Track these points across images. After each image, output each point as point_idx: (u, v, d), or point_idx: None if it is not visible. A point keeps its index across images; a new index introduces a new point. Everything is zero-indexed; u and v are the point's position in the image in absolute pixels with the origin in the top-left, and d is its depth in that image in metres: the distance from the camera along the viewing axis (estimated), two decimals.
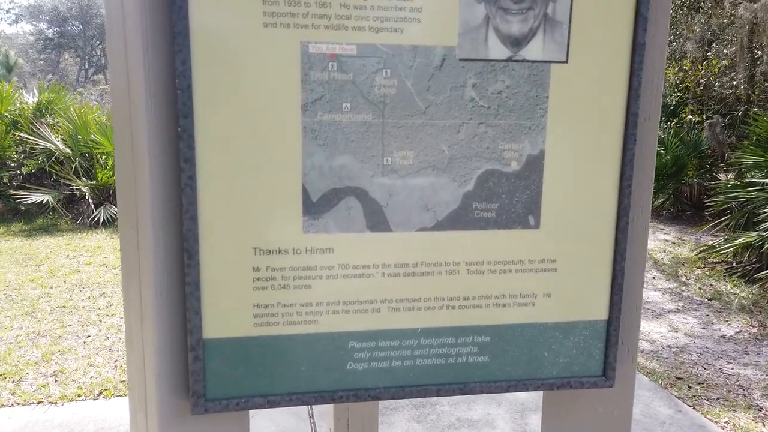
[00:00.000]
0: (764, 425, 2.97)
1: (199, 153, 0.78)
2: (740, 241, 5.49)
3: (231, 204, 0.80)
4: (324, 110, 0.80)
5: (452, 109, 0.83)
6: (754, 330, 4.37)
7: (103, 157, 8.13)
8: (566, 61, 0.84)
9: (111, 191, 8.08)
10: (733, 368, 3.70)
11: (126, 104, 0.81)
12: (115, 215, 7.76)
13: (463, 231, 0.87)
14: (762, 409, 3.15)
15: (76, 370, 3.34)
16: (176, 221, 0.81)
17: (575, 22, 0.83)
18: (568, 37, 0.84)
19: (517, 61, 0.83)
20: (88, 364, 3.43)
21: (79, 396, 3.04)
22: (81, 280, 5.13)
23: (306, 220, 0.83)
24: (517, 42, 0.83)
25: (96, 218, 7.58)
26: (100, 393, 3.08)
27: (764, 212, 5.45)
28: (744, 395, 3.32)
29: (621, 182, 0.89)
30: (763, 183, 5.63)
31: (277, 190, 0.81)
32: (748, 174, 5.78)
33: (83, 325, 4.08)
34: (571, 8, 0.83)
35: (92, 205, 7.75)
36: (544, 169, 0.87)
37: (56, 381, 3.22)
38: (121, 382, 3.20)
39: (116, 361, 3.48)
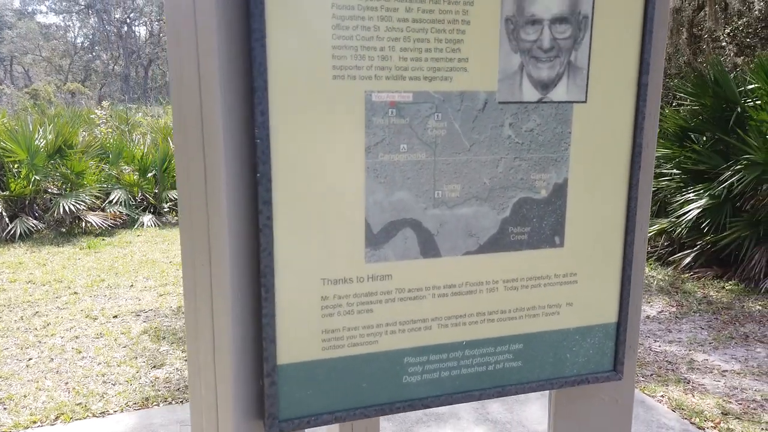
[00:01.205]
0: (693, 395, 3.32)
1: (275, 195, 0.84)
2: (654, 227, 6.00)
3: (303, 240, 0.87)
4: (384, 151, 0.89)
5: (492, 145, 0.94)
6: (674, 309, 4.81)
7: (15, 165, 7.62)
8: (585, 101, 0.97)
9: (27, 202, 7.60)
10: (660, 346, 4.08)
11: (199, 151, 0.85)
12: (33, 228, 7.31)
13: (501, 252, 0.98)
14: (689, 381, 3.51)
15: (25, 396, 3.19)
16: (253, 259, 0.87)
17: (592, 68, 0.96)
18: (587, 81, 0.96)
19: (545, 102, 0.95)
20: (36, 388, 3.28)
21: (35, 423, 2.91)
22: (9, 300, 4.84)
23: (368, 251, 0.91)
24: (545, 86, 0.95)
25: (12, 231, 7.12)
26: (57, 418, 2.97)
27: (675, 200, 5.98)
28: (673, 370, 3.68)
29: (628, 202, 1.03)
30: (672, 173, 6.17)
31: (343, 226, 0.89)
32: (659, 165, 6.31)
33: (22, 348, 3.87)
34: (589, 56, 0.96)
35: (6, 218, 7.26)
36: (567, 195, 0.99)
37: (5, 408, 3.06)
38: (78, 404, 3.09)
39: (67, 383, 3.35)
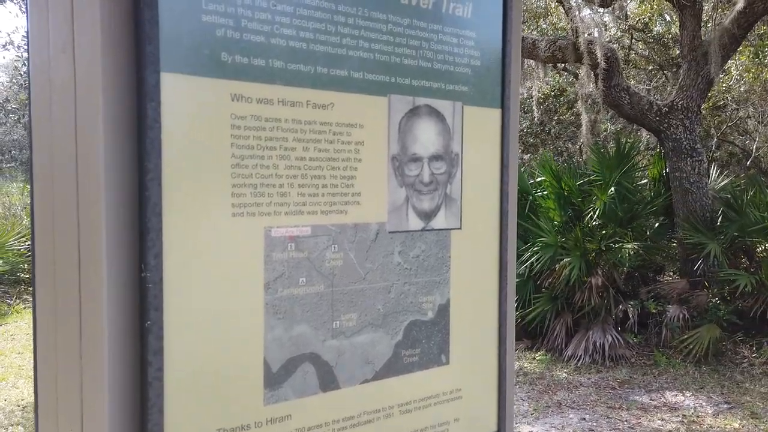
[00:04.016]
0: None
1: (167, 344, 0.77)
2: None
3: (197, 391, 0.80)
4: (284, 286, 0.87)
5: (384, 272, 0.97)
6: None
7: None
8: (460, 228, 1.06)
9: None
10: None
11: (75, 304, 0.75)
12: None
13: (395, 377, 0.99)
14: None
15: None
16: (137, 414, 0.77)
17: (464, 199, 1.06)
18: (461, 210, 1.06)
19: (428, 230, 1.02)
20: None
21: None
22: None
23: (266, 392, 0.86)
24: (427, 215, 1.02)
25: None
26: None
27: None
28: None
29: (499, 317, 1.13)
30: None
31: (240, 369, 0.84)
32: None
33: None
34: (461, 189, 1.06)
35: None
36: (450, 314, 1.06)
37: None
38: None
39: None
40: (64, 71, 0.76)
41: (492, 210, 1.11)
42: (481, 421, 1.11)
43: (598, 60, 6.19)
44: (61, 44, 0.76)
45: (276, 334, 0.87)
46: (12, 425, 4.57)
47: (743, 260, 7.22)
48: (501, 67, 1.09)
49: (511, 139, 1.12)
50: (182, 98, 0.77)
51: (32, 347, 0.85)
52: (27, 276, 9.75)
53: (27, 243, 10.17)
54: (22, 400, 5.14)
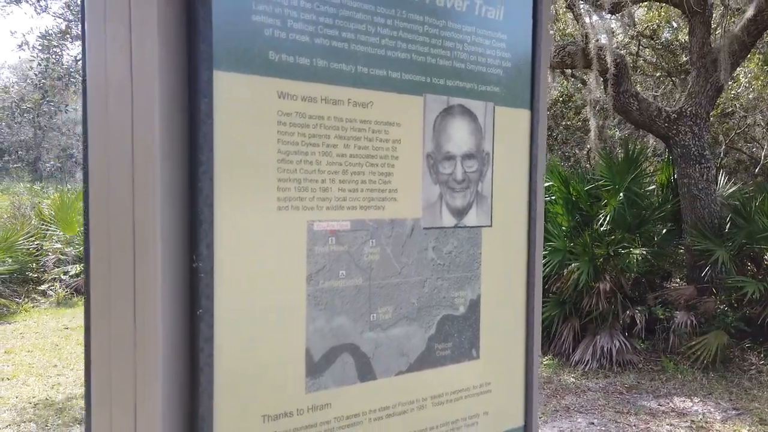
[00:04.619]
0: None
1: (216, 332, 0.80)
2: None
3: (244, 378, 0.83)
4: (325, 278, 0.90)
5: (419, 267, 1.00)
6: None
7: None
8: (491, 225, 1.09)
9: None
10: None
11: (130, 290, 0.78)
12: None
13: (428, 370, 1.02)
14: None
15: None
16: (188, 401, 0.79)
17: (495, 197, 1.09)
18: (491, 208, 1.09)
19: (460, 227, 1.05)
20: None
21: None
22: None
23: (308, 381, 0.89)
24: (460, 213, 1.04)
25: None
26: None
27: None
28: None
29: (527, 313, 1.15)
30: None
31: (284, 357, 0.86)
32: None
33: None
34: (492, 187, 1.08)
35: None
36: (480, 309, 1.08)
37: None
38: None
39: None
40: (121, 70, 0.79)
41: (520, 208, 1.13)
42: (509, 414, 1.14)
43: (608, 66, 6.22)
44: (119, 45, 0.79)
45: (317, 325, 0.89)
46: (24, 422, 4.60)
47: (750, 267, 7.22)
48: (530, 69, 1.12)
49: (539, 139, 1.14)
50: (232, 95, 0.80)
51: (83, 335, 0.88)
52: (35, 275, 9.82)
53: (36, 242, 10.25)
54: (33, 397, 5.18)
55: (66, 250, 10.15)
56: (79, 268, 9.88)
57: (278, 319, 0.86)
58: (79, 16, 0.89)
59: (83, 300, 0.95)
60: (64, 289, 9.54)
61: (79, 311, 8.88)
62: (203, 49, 0.77)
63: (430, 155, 1.00)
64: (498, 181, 1.09)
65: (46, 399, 5.15)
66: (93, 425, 0.85)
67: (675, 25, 10.03)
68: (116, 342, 0.82)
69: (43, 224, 10.62)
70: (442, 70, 1.00)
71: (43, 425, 4.57)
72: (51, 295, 9.41)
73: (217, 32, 0.78)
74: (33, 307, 9.08)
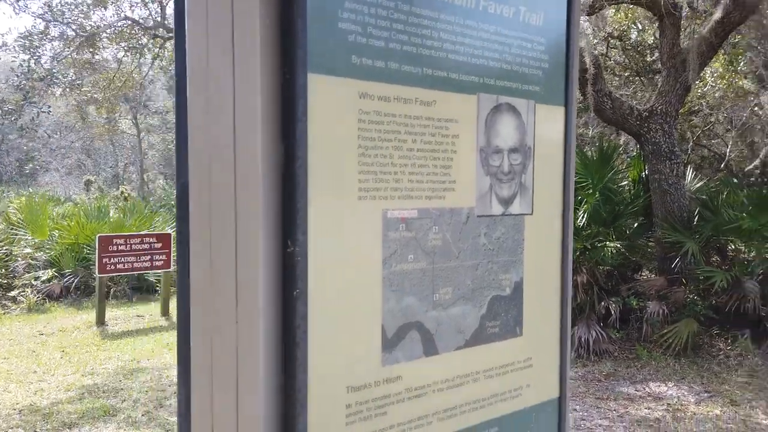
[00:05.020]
0: None
1: (310, 310, 0.88)
2: None
3: (332, 352, 0.91)
4: (396, 262, 0.98)
5: (473, 252, 1.09)
6: None
7: None
8: (532, 214, 1.19)
9: None
10: None
11: (231, 275, 0.86)
12: None
13: (481, 345, 1.11)
14: None
15: None
16: (286, 375, 0.87)
17: (535, 188, 1.19)
18: (532, 197, 1.19)
19: (507, 215, 1.15)
20: None
21: None
22: None
23: (384, 355, 0.97)
24: (506, 202, 1.14)
25: None
26: None
27: None
28: None
29: (561, 294, 1.26)
30: None
31: (364, 333, 0.95)
32: None
33: None
34: (533, 179, 1.18)
35: None
36: (523, 291, 1.18)
37: None
38: None
39: None
40: (224, 71, 0.86)
41: (556, 198, 1.24)
42: (547, 386, 1.24)
43: (587, 66, 6.43)
44: (221, 48, 0.86)
45: (390, 305, 0.98)
46: (12, 428, 4.54)
47: (716, 258, 7.54)
48: (565, 68, 1.22)
49: (571, 134, 1.25)
50: (323, 95, 0.88)
51: (177, 315, 0.95)
52: (5, 281, 9.58)
53: (5, 247, 9.98)
54: (17, 404, 5.10)
55: (36, 255, 9.95)
56: (51, 273, 9.69)
57: (359, 299, 0.94)
58: (173, 19, 0.94)
59: (177, 286, 1.00)
60: (35, 295, 9.35)
61: (52, 317, 8.72)
62: (300, 54, 0.85)
63: (483, 149, 1.10)
64: (538, 172, 1.19)
65: (31, 405, 5.08)
66: (193, 401, 0.92)
67: (639, 26, 10.37)
68: (218, 321, 0.89)
69: (11, 229, 10.37)
70: (492, 71, 1.10)
71: (31, 430, 4.52)
72: (22, 301, 9.21)
73: (311, 38, 0.86)
74: (4, 313, 8.87)
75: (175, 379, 5.58)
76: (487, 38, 1.08)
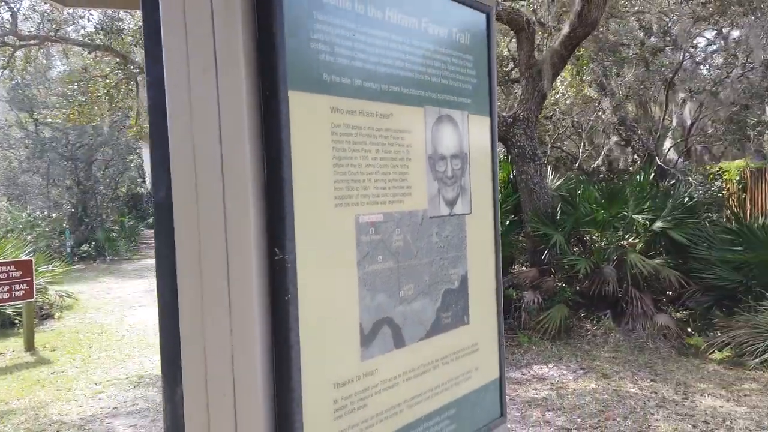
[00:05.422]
0: None
1: (301, 313, 0.93)
2: None
3: (320, 351, 0.96)
4: (369, 263, 1.06)
5: (428, 250, 1.20)
6: None
7: None
8: (471, 213, 1.32)
9: None
10: None
11: (224, 281, 0.88)
12: None
13: (439, 335, 1.22)
14: None
15: None
16: (275, 372, 0.91)
17: (472, 190, 1.32)
18: (471, 198, 1.32)
19: (452, 215, 1.27)
20: None
21: None
22: None
23: (362, 350, 1.04)
24: (451, 203, 1.26)
25: None
26: None
27: None
28: None
29: (496, 285, 1.40)
30: None
31: (345, 332, 1.01)
32: None
33: None
34: (470, 181, 1.32)
35: None
36: (468, 283, 1.31)
37: None
38: None
39: None
40: (206, 89, 0.89)
41: (487, 198, 1.38)
42: (490, 368, 1.38)
43: None
44: (203, 65, 0.88)
45: (366, 303, 1.05)
46: None
47: (578, 248, 8.38)
48: (488, 82, 1.37)
49: (495, 141, 1.40)
50: (300, 109, 0.94)
51: (159, 327, 0.95)
52: None
53: None
54: None
55: None
56: None
57: (339, 299, 1.00)
58: (143, 33, 0.91)
59: (158, 301, 0.97)
60: None
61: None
62: (281, 72, 0.90)
63: (431, 156, 1.21)
64: (473, 176, 1.33)
65: None
66: (187, 414, 0.92)
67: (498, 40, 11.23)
68: (211, 332, 0.90)
69: None
70: (434, 86, 1.21)
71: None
72: None
73: (289, 58, 0.91)
74: None
75: (55, 418, 5.11)
76: (429, 56, 1.20)
